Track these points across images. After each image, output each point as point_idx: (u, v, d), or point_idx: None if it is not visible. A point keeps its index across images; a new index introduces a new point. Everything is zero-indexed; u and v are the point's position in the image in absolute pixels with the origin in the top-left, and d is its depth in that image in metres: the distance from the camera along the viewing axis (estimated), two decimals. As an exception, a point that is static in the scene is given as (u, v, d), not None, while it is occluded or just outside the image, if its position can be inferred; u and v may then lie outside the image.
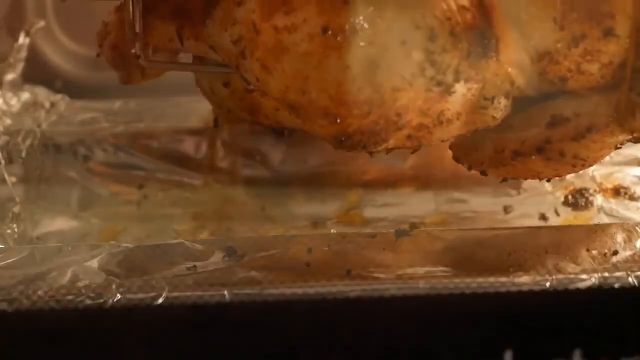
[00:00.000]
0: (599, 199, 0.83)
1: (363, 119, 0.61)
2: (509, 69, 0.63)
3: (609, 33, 0.61)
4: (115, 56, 0.73)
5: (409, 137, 0.64)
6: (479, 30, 0.61)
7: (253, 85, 0.65)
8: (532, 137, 0.67)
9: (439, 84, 0.61)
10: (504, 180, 0.72)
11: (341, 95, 0.60)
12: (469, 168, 0.71)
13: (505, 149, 0.68)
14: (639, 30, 0.61)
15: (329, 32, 0.59)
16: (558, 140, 0.67)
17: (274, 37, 0.60)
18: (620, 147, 0.68)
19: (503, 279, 0.60)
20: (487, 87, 0.63)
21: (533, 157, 0.67)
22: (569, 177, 0.85)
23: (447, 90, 0.61)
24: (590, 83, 0.64)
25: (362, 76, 0.59)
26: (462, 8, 0.60)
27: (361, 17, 0.59)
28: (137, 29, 0.66)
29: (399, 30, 0.59)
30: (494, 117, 0.65)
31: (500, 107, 0.65)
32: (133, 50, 0.67)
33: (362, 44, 0.59)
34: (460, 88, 0.62)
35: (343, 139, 0.62)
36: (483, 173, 0.71)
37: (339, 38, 0.59)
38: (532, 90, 0.65)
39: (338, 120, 0.61)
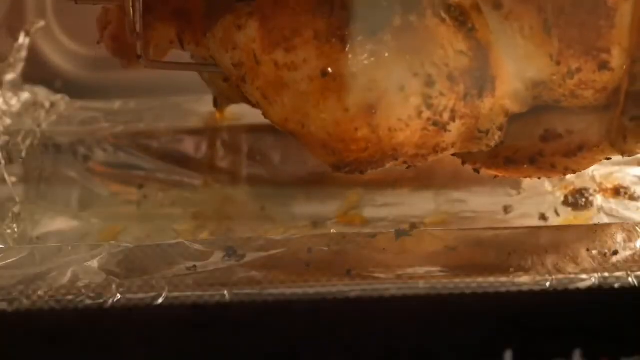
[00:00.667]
0: (599, 199, 0.83)
1: (360, 153, 0.63)
2: (504, 101, 0.64)
3: (604, 66, 0.62)
4: (115, 46, 0.73)
5: (404, 162, 0.66)
6: (477, 72, 0.62)
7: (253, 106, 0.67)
8: (525, 148, 0.68)
9: (435, 124, 0.62)
10: (496, 176, 0.73)
11: (339, 133, 0.61)
12: (463, 163, 0.72)
13: (498, 155, 0.69)
14: (634, 61, 0.62)
15: (329, 76, 0.60)
16: (550, 155, 0.68)
17: (274, 71, 0.62)
18: (610, 158, 0.69)
19: (503, 279, 0.60)
20: (482, 121, 0.64)
21: (525, 166, 0.69)
22: (569, 177, 0.85)
23: (443, 128, 0.63)
24: (583, 104, 0.66)
25: (360, 118, 0.61)
26: (459, 53, 0.61)
27: (360, 64, 0.60)
28: (138, 29, 0.66)
29: (397, 76, 0.60)
30: (487, 145, 0.66)
31: (495, 138, 0.66)
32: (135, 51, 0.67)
33: (360, 89, 0.60)
34: (455, 125, 0.63)
35: (341, 166, 0.64)
36: (476, 170, 0.72)
37: (338, 82, 0.60)
38: (526, 109, 0.66)
39: (336, 153, 0.63)
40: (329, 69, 0.60)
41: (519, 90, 0.64)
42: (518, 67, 0.63)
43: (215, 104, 0.81)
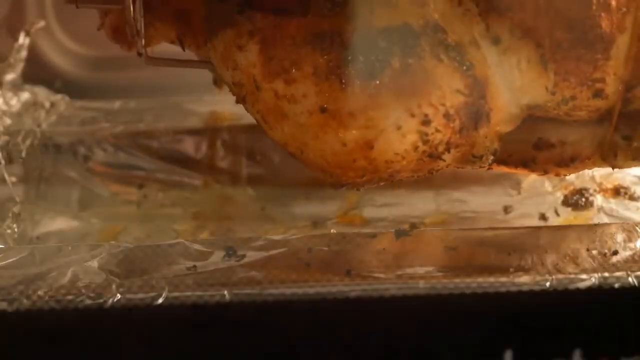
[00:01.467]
0: (599, 199, 0.83)
1: (357, 178, 0.65)
2: (499, 127, 0.65)
3: (598, 95, 0.63)
4: (116, 35, 0.74)
5: (400, 179, 0.67)
6: (473, 107, 0.63)
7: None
8: (518, 152, 0.69)
9: (430, 155, 0.63)
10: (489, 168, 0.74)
11: (337, 162, 0.63)
12: None
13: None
14: (629, 88, 0.63)
15: (327, 112, 0.61)
16: (542, 162, 0.70)
17: (274, 100, 0.63)
18: None
19: (503, 279, 0.60)
20: (477, 148, 0.65)
21: (518, 168, 0.71)
22: (569, 177, 0.85)
23: (439, 158, 0.64)
24: (577, 119, 0.67)
25: (358, 152, 0.62)
26: (456, 91, 0.61)
27: (359, 104, 0.61)
28: (138, 27, 0.66)
29: (394, 117, 0.61)
30: (481, 167, 0.68)
31: (489, 160, 0.67)
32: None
33: (358, 126, 0.61)
34: (450, 154, 0.64)
35: (338, 185, 0.66)
36: None
37: (336, 119, 0.61)
38: (519, 123, 0.67)
39: (334, 176, 0.65)
40: (328, 107, 0.61)
41: (514, 114, 0.65)
42: (514, 96, 0.64)
43: (215, 82, 0.81)
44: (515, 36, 0.61)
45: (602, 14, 0.60)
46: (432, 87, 0.61)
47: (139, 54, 0.67)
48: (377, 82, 0.60)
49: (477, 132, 0.64)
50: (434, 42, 0.61)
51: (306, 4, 0.62)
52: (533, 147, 0.69)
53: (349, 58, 0.60)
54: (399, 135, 0.62)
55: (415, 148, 0.62)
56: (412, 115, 0.61)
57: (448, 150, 0.64)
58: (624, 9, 0.61)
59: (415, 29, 0.61)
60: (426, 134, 0.62)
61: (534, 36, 0.61)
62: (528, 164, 0.71)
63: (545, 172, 0.71)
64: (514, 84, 0.63)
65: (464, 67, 0.61)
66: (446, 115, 0.62)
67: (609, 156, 0.68)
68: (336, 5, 0.61)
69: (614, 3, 0.60)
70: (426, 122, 0.61)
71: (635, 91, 0.64)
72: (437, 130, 0.62)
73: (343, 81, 0.60)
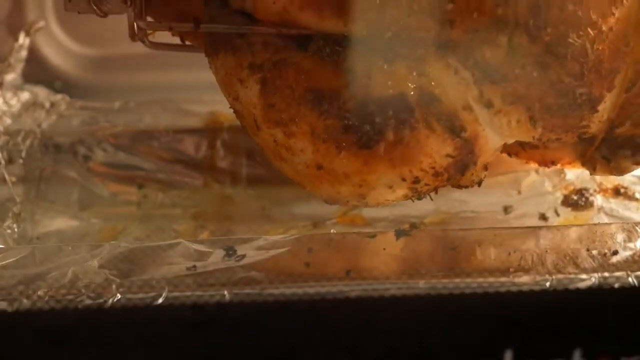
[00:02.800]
0: (599, 199, 0.83)
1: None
2: (485, 162, 0.67)
3: (582, 135, 0.66)
4: None
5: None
6: (461, 163, 0.65)
7: None
8: (503, 147, 0.70)
9: (419, 198, 0.68)
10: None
11: (333, 200, 0.68)
12: None
13: None
14: (612, 127, 0.65)
15: (323, 169, 0.64)
16: (525, 157, 0.76)
17: (273, 144, 0.66)
18: None
19: (503, 279, 0.60)
20: (463, 182, 0.68)
21: (503, 154, 0.75)
22: (569, 177, 0.85)
23: (426, 197, 0.69)
24: None
25: (352, 198, 0.66)
26: (446, 156, 0.63)
27: (353, 168, 0.64)
28: (141, 23, 0.66)
29: (387, 180, 0.64)
30: (467, 188, 0.70)
31: (475, 186, 0.69)
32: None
33: (352, 184, 0.65)
34: (437, 191, 0.68)
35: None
36: None
37: (331, 175, 0.64)
38: None
39: (330, 203, 0.69)
40: (324, 166, 0.64)
41: (499, 148, 0.68)
42: (501, 139, 0.66)
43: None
44: (507, 102, 0.62)
45: (594, 81, 0.61)
46: (423, 156, 0.63)
47: (143, 42, 0.67)
48: (372, 152, 0.63)
49: (464, 176, 0.66)
50: (428, 112, 0.63)
51: (305, 41, 0.64)
52: (517, 143, 0.70)
53: (346, 126, 0.63)
54: (390, 191, 0.65)
55: (406, 196, 0.67)
56: (404, 180, 0.64)
57: (436, 191, 0.68)
58: (615, 72, 0.62)
59: (411, 100, 0.62)
60: (416, 189, 0.66)
61: (525, 102, 0.62)
62: (511, 155, 0.76)
63: (527, 163, 0.76)
64: (502, 135, 0.65)
65: (456, 134, 0.63)
66: (435, 174, 0.64)
67: (589, 167, 0.72)
68: (334, 53, 0.63)
69: (605, 67, 0.61)
70: (416, 181, 0.65)
71: (618, 130, 0.66)
72: (426, 184, 0.65)
73: (339, 148, 0.63)
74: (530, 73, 0.60)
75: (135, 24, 0.66)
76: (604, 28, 0.59)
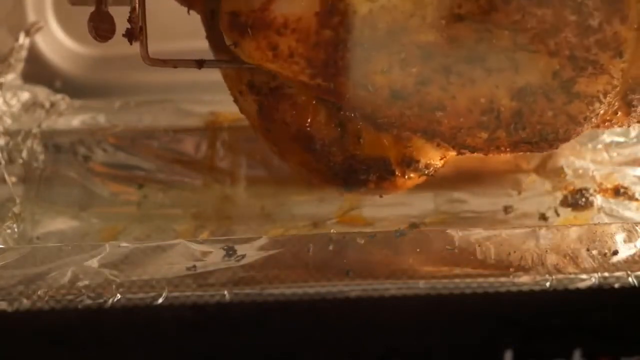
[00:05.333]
0: (599, 199, 0.83)
1: None
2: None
3: None
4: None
5: None
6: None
7: None
8: None
9: None
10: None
11: None
12: None
13: None
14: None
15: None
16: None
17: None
18: None
19: (503, 279, 0.60)
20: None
21: None
22: (569, 177, 0.85)
23: None
24: None
25: None
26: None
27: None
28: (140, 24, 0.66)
29: None
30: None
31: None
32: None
33: None
34: None
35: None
36: None
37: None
38: None
39: None
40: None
41: None
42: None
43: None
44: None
45: (594, 119, 0.64)
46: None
47: (143, 58, 0.67)
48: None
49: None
50: (406, 169, 0.69)
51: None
52: None
53: (334, 174, 0.69)
54: None
55: None
56: None
57: None
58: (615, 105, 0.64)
59: (393, 162, 0.68)
60: None
61: None
62: None
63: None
64: None
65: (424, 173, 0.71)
66: None
67: None
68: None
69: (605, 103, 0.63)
70: None
71: None
72: None
73: (326, 183, 0.71)
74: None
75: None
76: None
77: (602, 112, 0.63)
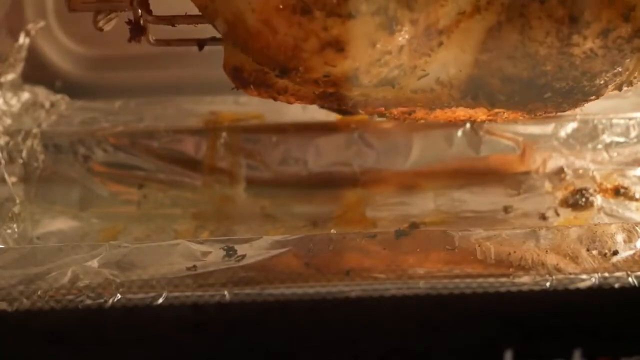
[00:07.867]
0: (599, 199, 0.83)
1: None
2: None
3: None
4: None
5: None
6: None
7: None
8: None
9: None
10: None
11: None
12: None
13: None
14: None
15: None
16: None
17: None
18: None
19: (503, 279, 0.60)
20: None
21: None
22: (569, 177, 0.85)
23: None
24: None
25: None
26: None
27: None
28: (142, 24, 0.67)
29: None
30: None
31: None
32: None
33: None
34: None
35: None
36: None
37: None
38: None
39: None
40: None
41: None
42: None
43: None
44: None
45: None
46: None
47: (147, 40, 0.68)
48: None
49: None
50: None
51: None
52: None
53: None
54: None
55: None
56: None
57: None
58: None
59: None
60: None
61: None
62: None
63: None
64: None
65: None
66: None
67: None
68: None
69: None
70: None
71: None
72: None
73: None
74: None
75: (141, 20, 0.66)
76: None
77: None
